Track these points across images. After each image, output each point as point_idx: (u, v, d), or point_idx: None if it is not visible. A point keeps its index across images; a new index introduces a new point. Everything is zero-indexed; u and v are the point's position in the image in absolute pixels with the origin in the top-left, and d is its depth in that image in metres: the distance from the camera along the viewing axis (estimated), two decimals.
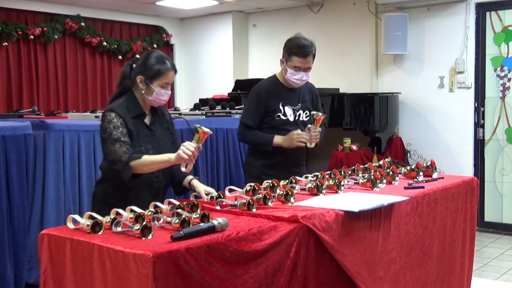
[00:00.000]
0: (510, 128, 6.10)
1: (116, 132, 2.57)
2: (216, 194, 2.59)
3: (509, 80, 6.08)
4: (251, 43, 8.24)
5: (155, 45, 8.27)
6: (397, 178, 3.07)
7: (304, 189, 2.73)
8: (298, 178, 2.91)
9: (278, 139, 3.33)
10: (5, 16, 6.88)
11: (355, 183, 2.98)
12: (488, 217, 6.26)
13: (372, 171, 3.16)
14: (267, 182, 2.71)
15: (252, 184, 2.59)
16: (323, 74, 6.88)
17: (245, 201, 2.32)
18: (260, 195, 2.43)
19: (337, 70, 7.18)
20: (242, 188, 2.63)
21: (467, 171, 6.21)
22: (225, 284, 1.88)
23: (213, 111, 5.50)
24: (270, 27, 7.94)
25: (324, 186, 2.71)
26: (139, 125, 2.69)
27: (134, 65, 2.75)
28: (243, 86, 6.78)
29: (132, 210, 2.23)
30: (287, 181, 2.81)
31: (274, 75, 3.50)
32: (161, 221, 2.09)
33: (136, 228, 1.91)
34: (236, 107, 5.60)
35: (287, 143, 3.31)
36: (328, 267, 2.29)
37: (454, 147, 6.39)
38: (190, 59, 8.61)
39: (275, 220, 2.16)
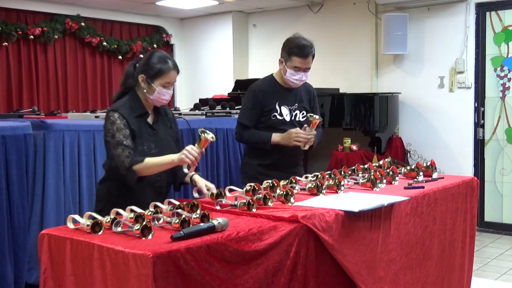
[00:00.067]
0: (510, 128, 6.10)
1: (118, 134, 2.58)
2: (216, 190, 2.60)
3: (509, 80, 6.08)
4: (251, 43, 8.23)
5: (155, 45, 8.26)
6: (397, 178, 3.07)
7: (304, 189, 2.73)
8: (298, 178, 2.91)
9: (276, 137, 3.32)
10: (5, 16, 6.87)
11: (355, 183, 2.98)
12: (488, 217, 6.25)
13: (372, 171, 3.16)
14: (267, 182, 2.71)
15: (252, 184, 2.59)
16: (323, 74, 6.89)
17: (245, 201, 2.32)
18: (260, 195, 2.44)
19: (337, 70, 7.18)
20: (242, 188, 2.63)
21: (467, 171, 6.21)
22: (225, 284, 1.88)
23: (213, 111, 5.50)
24: (270, 27, 7.93)
25: (324, 186, 2.71)
26: (142, 125, 2.70)
27: (138, 65, 2.76)
28: (243, 86, 6.77)
29: (132, 210, 2.24)
30: (287, 181, 2.80)
31: (271, 74, 3.48)
32: (161, 221, 2.09)
33: (136, 228, 1.92)
34: (236, 107, 5.59)
35: (285, 141, 3.30)
36: (328, 267, 2.29)
37: (454, 147, 6.38)
38: (190, 59, 8.60)
39: (275, 220, 2.16)
